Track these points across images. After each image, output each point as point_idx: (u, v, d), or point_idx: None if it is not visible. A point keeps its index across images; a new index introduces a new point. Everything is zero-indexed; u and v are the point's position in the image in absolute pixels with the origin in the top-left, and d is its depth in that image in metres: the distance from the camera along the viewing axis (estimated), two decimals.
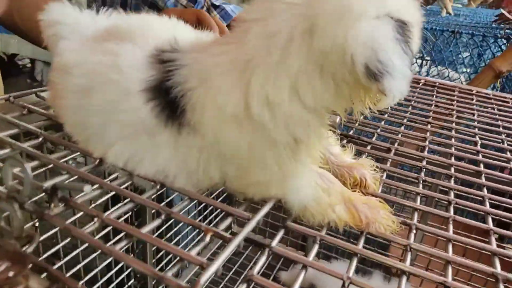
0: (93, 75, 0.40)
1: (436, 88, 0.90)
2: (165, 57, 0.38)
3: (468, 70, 1.66)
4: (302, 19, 0.33)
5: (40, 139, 0.43)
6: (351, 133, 0.62)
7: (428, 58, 1.72)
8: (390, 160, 0.55)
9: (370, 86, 0.32)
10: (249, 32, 0.34)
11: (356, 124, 0.66)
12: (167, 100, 0.36)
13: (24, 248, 0.30)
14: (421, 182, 0.50)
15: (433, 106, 0.78)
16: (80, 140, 0.43)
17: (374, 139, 0.61)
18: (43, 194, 0.34)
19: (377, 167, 0.49)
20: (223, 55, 0.35)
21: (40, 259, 0.33)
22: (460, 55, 1.68)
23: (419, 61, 1.67)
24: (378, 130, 0.64)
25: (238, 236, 0.31)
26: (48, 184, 0.33)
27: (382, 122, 0.68)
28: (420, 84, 0.91)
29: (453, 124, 0.70)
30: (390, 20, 0.32)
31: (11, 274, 0.27)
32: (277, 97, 0.34)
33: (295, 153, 0.37)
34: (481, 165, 0.56)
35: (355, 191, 0.44)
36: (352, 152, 0.50)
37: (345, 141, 0.59)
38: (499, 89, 1.63)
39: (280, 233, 0.38)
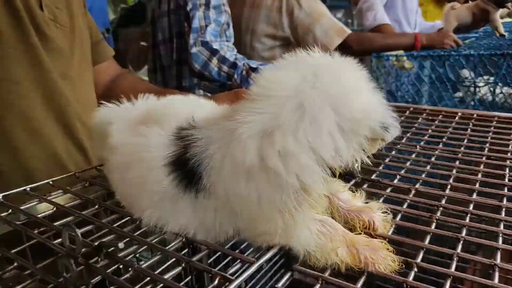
0: (130, 153, 0.50)
1: (472, 120, 0.90)
2: (183, 134, 0.47)
3: None
4: (325, 97, 0.42)
5: (97, 205, 0.54)
6: (373, 176, 0.66)
7: (491, 79, 1.68)
8: (408, 201, 0.58)
9: (382, 137, 0.45)
10: (283, 107, 0.41)
11: (380, 168, 0.70)
12: (185, 170, 0.45)
13: None
14: (435, 220, 0.53)
15: (465, 141, 0.78)
16: (125, 206, 0.53)
17: (396, 181, 0.64)
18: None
19: (387, 209, 0.53)
20: (254, 123, 0.42)
21: None
22: None
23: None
24: (402, 172, 0.67)
25: (239, 278, 0.37)
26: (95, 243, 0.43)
27: (408, 163, 0.71)
28: (456, 118, 0.92)
29: (483, 158, 0.71)
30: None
31: None
32: (295, 151, 0.40)
33: (300, 203, 0.43)
34: (504, 200, 0.57)
35: (360, 233, 0.48)
36: (362, 196, 0.54)
37: (365, 185, 0.63)
38: None
39: (286, 276, 0.44)
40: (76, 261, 0.40)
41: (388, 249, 0.46)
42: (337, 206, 0.52)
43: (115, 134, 0.55)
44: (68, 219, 0.51)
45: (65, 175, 0.62)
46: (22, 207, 0.53)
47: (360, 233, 0.49)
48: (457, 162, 0.70)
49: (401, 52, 1.80)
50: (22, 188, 0.57)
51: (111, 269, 0.41)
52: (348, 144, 0.42)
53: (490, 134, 0.81)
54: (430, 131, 0.86)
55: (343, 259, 0.44)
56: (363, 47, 1.84)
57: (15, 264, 0.45)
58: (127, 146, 0.51)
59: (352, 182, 0.64)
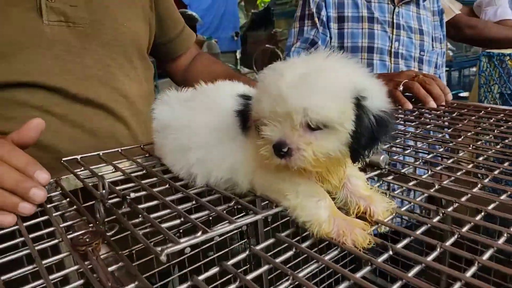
0: (186, 117, 0.63)
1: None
2: (244, 95, 0.58)
3: None
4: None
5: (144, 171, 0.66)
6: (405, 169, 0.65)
7: None
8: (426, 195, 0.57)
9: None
10: None
11: (417, 163, 0.68)
12: (243, 117, 0.56)
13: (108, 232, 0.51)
14: (441, 213, 0.52)
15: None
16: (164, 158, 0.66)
17: (425, 176, 0.63)
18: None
19: (392, 200, 0.54)
20: None
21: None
22: None
23: None
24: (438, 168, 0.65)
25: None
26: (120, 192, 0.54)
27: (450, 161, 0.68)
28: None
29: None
30: None
31: (88, 239, 0.47)
32: None
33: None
34: None
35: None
36: (375, 190, 0.56)
37: (391, 177, 0.64)
38: None
39: (270, 241, 0.49)
40: (104, 205, 0.52)
41: (367, 231, 0.47)
42: (344, 187, 0.55)
43: (158, 115, 0.67)
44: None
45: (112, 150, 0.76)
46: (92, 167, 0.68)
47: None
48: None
49: None
50: (96, 153, 0.73)
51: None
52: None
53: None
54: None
55: (321, 221, 0.47)
56: (475, 32, 1.68)
57: (74, 206, 0.59)
58: (182, 114, 0.64)
59: (377, 172, 0.65)
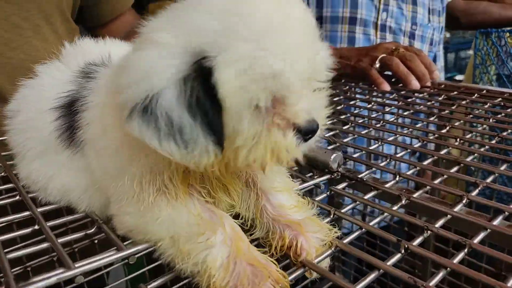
0: (21, 98, 0.43)
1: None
2: (88, 70, 0.38)
3: None
4: None
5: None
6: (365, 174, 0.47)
7: None
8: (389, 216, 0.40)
9: None
10: None
11: (382, 164, 0.51)
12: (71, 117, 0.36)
13: None
14: (403, 249, 0.34)
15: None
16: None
17: (392, 183, 0.45)
18: None
19: (334, 227, 0.36)
20: None
21: None
22: None
23: None
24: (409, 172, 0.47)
25: None
26: None
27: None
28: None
29: None
30: None
31: None
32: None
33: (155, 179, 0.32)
34: None
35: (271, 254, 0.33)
36: (309, 207, 0.38)
37: (344, 185, 0.46)
38: None
39: None
40: None
41: (280, 282, 0.30)
42: (262, 210, 0.37)
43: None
44: None
45: None
46: None
47: (272, 254, 0.34)
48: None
49: None
50: None
51: None
52: None
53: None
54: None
55: (213, 269, 0.29)
56: (473, 19, 1.47)
57: None
58: (21, 92, 0.44)
59: (325, 177, 0.47)
